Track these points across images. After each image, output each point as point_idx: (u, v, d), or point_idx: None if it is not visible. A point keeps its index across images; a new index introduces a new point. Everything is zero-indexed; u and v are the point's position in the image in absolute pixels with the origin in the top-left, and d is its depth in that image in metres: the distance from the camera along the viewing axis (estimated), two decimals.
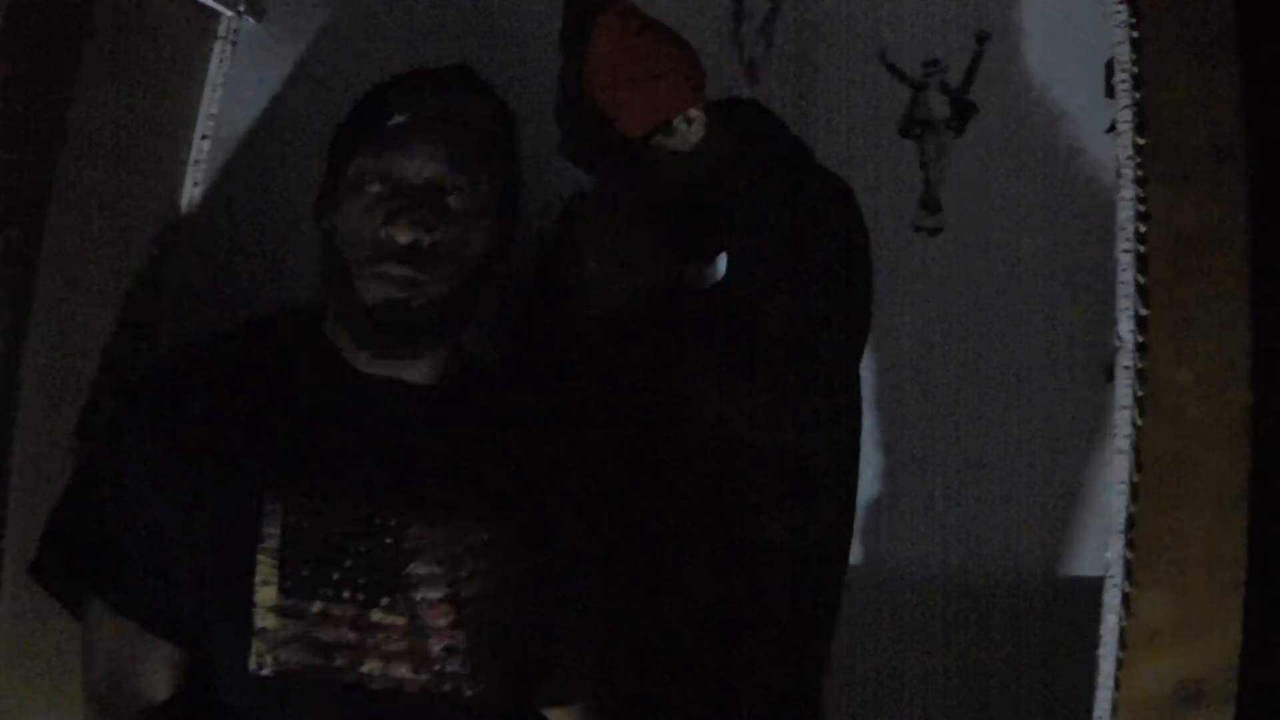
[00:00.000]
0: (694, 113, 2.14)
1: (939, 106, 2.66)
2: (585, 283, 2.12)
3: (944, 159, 2.64)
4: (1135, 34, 1.87)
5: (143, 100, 2.10)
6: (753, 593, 2.16)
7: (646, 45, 2.12)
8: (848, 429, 2.26)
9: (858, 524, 2.40)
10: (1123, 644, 1.73)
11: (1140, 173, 1.81)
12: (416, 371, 1.73)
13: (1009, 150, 2.61)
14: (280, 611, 1.60)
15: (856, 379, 2.28)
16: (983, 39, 2.63)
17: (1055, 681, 2.33)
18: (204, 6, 2.18)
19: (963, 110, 2.64)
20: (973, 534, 2.57)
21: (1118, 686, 1.73)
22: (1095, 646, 1.74)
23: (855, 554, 2.44)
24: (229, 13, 2.22)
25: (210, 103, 2.20)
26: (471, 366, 1.84)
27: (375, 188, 1.67)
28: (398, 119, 1.69)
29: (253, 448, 1.65)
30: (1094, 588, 1.78)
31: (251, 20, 2.24)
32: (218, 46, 2.21)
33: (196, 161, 2.20)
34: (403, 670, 1.64)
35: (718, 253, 2.14)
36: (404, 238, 1.64)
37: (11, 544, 1.93)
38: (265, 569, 1.60)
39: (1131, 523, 1.75)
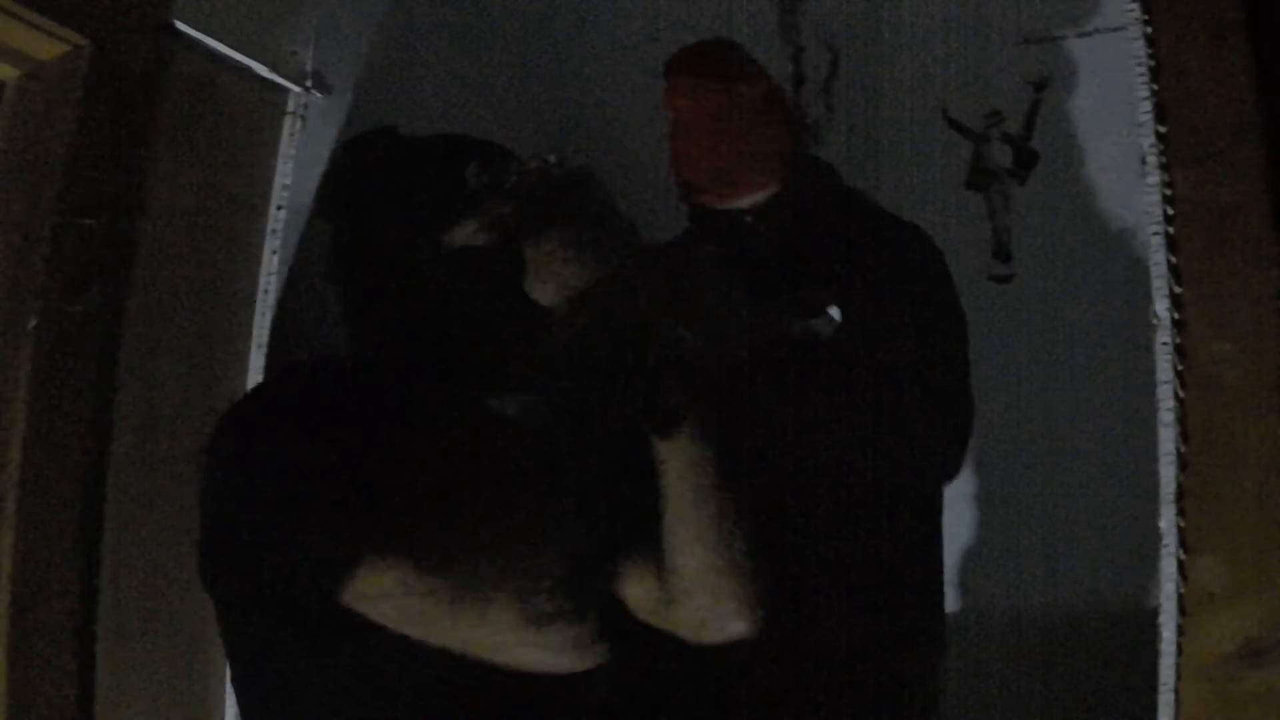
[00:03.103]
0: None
1: (1001, 157, 2.72)
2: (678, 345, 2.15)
3: (1010, 208, 2.69)
4: (1149, 29, 1.93)
5: (219, 171, 2.22)
6: (871, 613, 2.19)
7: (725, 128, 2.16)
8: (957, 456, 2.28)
9: (952, 573, 2.42)
10: (1182, 609, 1.74)
11: (1164, 159, 1.86)
12: None
13: (1071, 194, 2.66)
14: None
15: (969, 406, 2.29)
16: (1040, 87, 2.69)
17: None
18: (273, 83, 2.31)
19: (1025, 159, 2.70)
20: (1061, 577, 2.57)
21: (1180, 652, 1.74)
22: None
23: (952, 600, 2.47)
24: (297, 89, 2.34)
25: (283, 174, 2.31)
26: None
27: None
28: None
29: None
30: None
31: (319, 95, 2.37)
32: (288, 121, 2.33)
33: (273, 230, 2.31)
34: None
35: (824, 308, 2.19)
36: None
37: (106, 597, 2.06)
38: None
39: (1181, 492, 1.77)
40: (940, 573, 2.29)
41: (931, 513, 2.29)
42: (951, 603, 2.51)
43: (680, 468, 1.62)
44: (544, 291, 1.57)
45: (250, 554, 1.56)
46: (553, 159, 1.61)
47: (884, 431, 2.12)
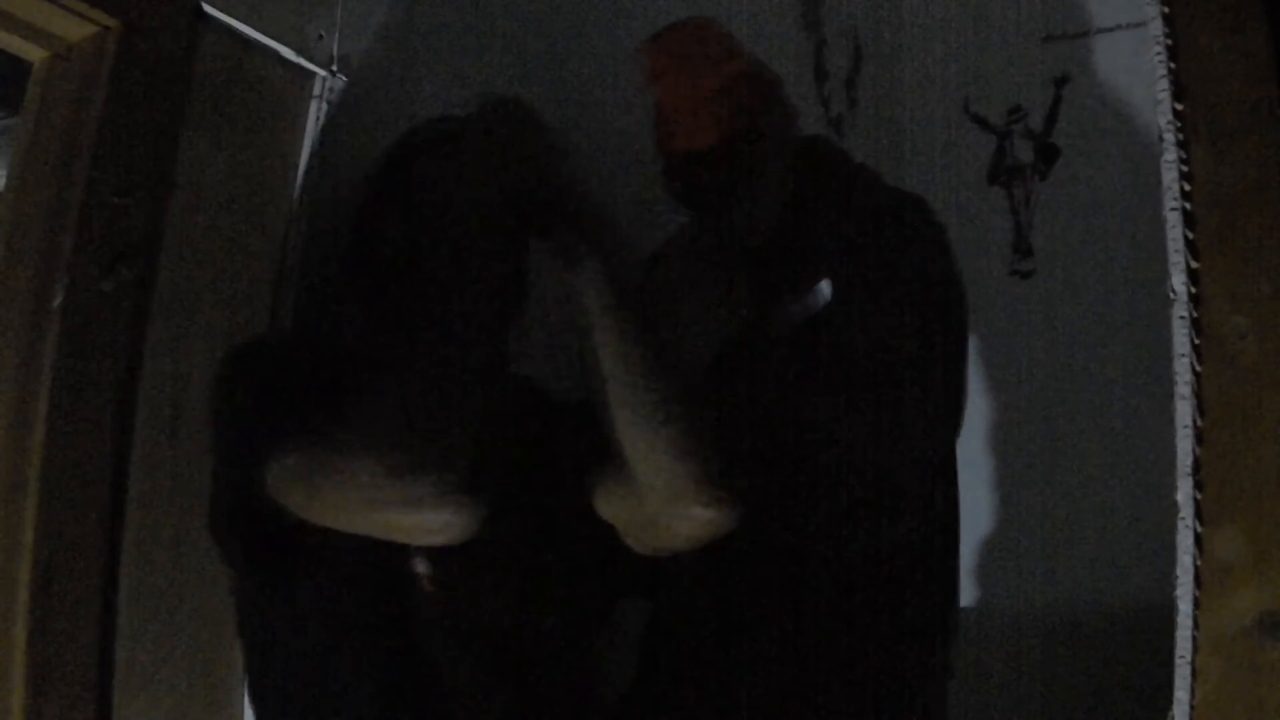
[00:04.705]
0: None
1: (1024, 152, 2.72)
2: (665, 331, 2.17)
3: (1032, 203, 2.70)
4: (1166, 9, 1.94)
5: (247, 153, 2.25)
6: (847, 604, 2.18)
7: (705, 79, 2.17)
8: (947, 438, 2.28)
9: (971, 562, 2.42)
10: (1199, 583, 1.74)
11: (1181, 136, 1.88)
12: None
13: (1094, 189, 2.66)
14: None
15: (961, 387, 2.29)
16: (1061, 83, 2.70)
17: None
18: (300, 67, 2.34)
19: (1047, 154, 2.70)
20: (1079, 571, 2.56)
21: (1197, 625, 1.74)
22: None
23: (968, 593, 2.46)
24: (323, 72, 2.37)
25: (309, 157, 2.35)
26: None
27: None
28: None
29: None
30: None
31: (344, 79, 2.39)
32: (313, 104, 2.37)
33: (299, 214, 2.33)
34: None
35: (811, 286, 2.20)
36: None
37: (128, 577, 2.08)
38: None
39: (1198, 465, 1.78)
40: (956, 564, 2.29)
41: (949, 504, 2.29)
42: (967, 596, 2.50)
43: (604, 347, 1.69)
44: None
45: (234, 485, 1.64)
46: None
47: (877, 407, 2.13)
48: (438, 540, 1.61)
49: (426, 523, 1.57)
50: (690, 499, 1.68)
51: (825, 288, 2.16)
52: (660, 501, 1.69)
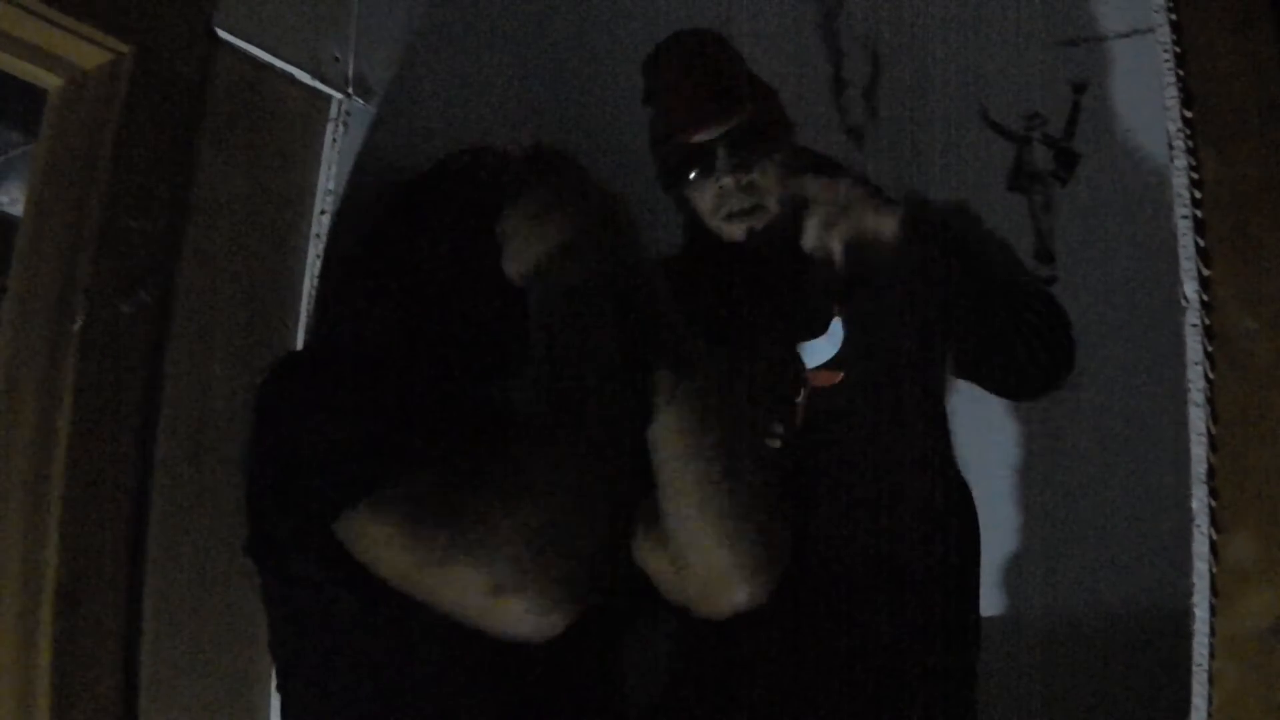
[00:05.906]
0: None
1: (1043, 159, 2.72)
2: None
3: (1052, 209, 2.70)
4: (1174, 16, 1.95)
5: (264, 175, 2.26)
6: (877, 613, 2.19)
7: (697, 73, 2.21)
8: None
9: (997, 577, 2.42)
10: (1214, 589, 1.74)
11: (1191, 143, 1.88)
12: None
13: (1114, 195, 2.66)
14: None
15: None
16: (1080, 89, 2.70)
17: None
18: (316, 89, 2.36)
19: (1067, 160, 2.70)
20: (1084, 575, 2.56)
21: (1213, 631, 1.73)
22: None
23: (996, 605, 2.46)
24: (339, 95, 2.38)
25: (327, 179, 2.35)
26: None
27: None
28: None
29: None
30: None
31: (360, 101, 2.41)
32: (330, 127, 2.37)
33: (317, 235, 2.34)
34: None
35: (827, 321, 2.19)
36: None
37: (151, 594, 2.09)
38: None
39: (1212, 472, 1.78)
40: (976, 571, 2.29)
41: (968, 509, 2.30)
42: (993, 605, 2.50)
43: (667, 436, 1.67)
44: (519, 260, 1.62)
45: (288, 495, 1.62)
46: (527, 145, 1.67)
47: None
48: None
49: (518, 633, 1.51)
50: (734, 587, 1.70)
51: (838, 328, 2.17)
52: (701, 585, 1.72)
